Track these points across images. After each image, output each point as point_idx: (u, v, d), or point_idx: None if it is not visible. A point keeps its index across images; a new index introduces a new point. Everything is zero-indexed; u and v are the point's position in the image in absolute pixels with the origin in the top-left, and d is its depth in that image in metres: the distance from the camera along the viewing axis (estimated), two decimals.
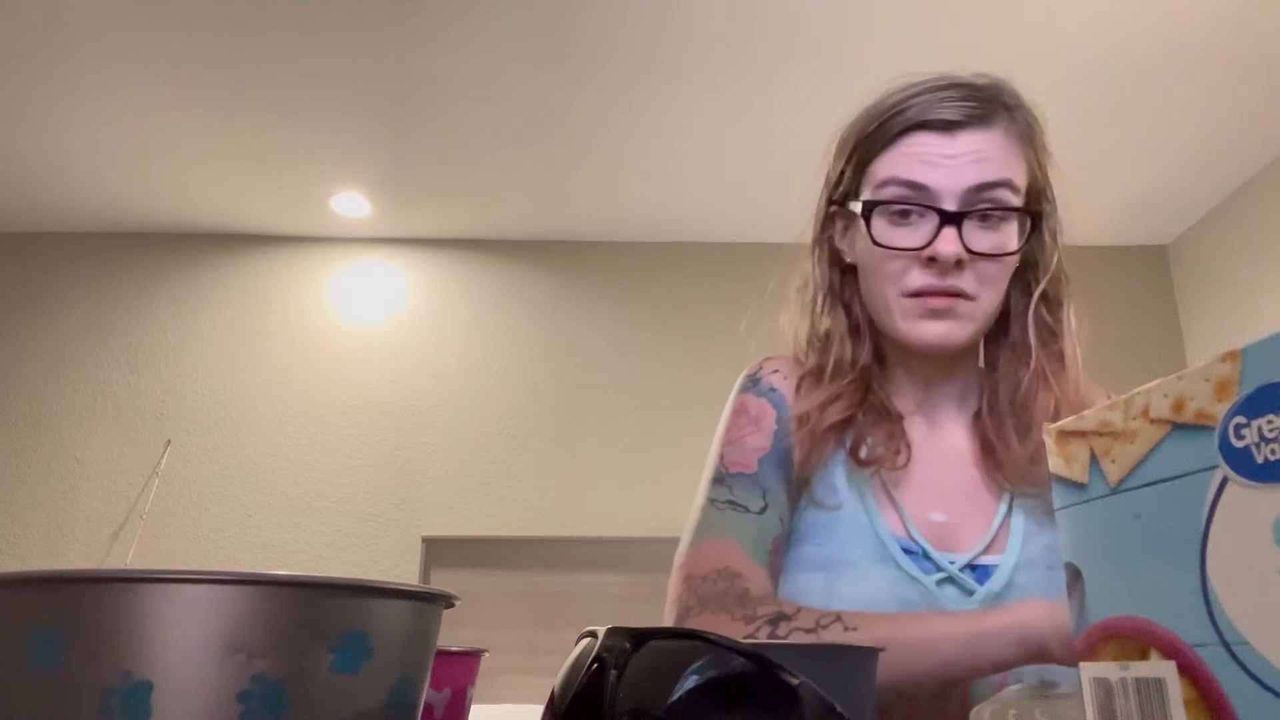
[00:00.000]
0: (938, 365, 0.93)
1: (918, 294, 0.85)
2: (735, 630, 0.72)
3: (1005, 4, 2.65)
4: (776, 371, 0.96)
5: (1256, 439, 0.26)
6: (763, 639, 0.70)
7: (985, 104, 0.85)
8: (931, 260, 0.83)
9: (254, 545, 3.53)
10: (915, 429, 0.93)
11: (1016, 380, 0.91)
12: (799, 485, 0.90)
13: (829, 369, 0.91)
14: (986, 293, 0.86)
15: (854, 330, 0.93)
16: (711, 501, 0.87)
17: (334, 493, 3.62)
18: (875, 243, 0.85)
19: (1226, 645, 0.27)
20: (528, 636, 3.39)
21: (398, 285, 3.89)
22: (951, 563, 0.84)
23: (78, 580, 0.32)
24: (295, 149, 3.34)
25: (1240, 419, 0.27)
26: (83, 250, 3.86)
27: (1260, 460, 0.26)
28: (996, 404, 0.92)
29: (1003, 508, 0.89)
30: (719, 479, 0.88)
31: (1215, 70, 2.91)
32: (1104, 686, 0.31)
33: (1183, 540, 0.29)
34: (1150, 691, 0.29)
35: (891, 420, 0.90)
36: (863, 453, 0.88)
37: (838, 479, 0.89)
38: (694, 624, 0.75)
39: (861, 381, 0.91)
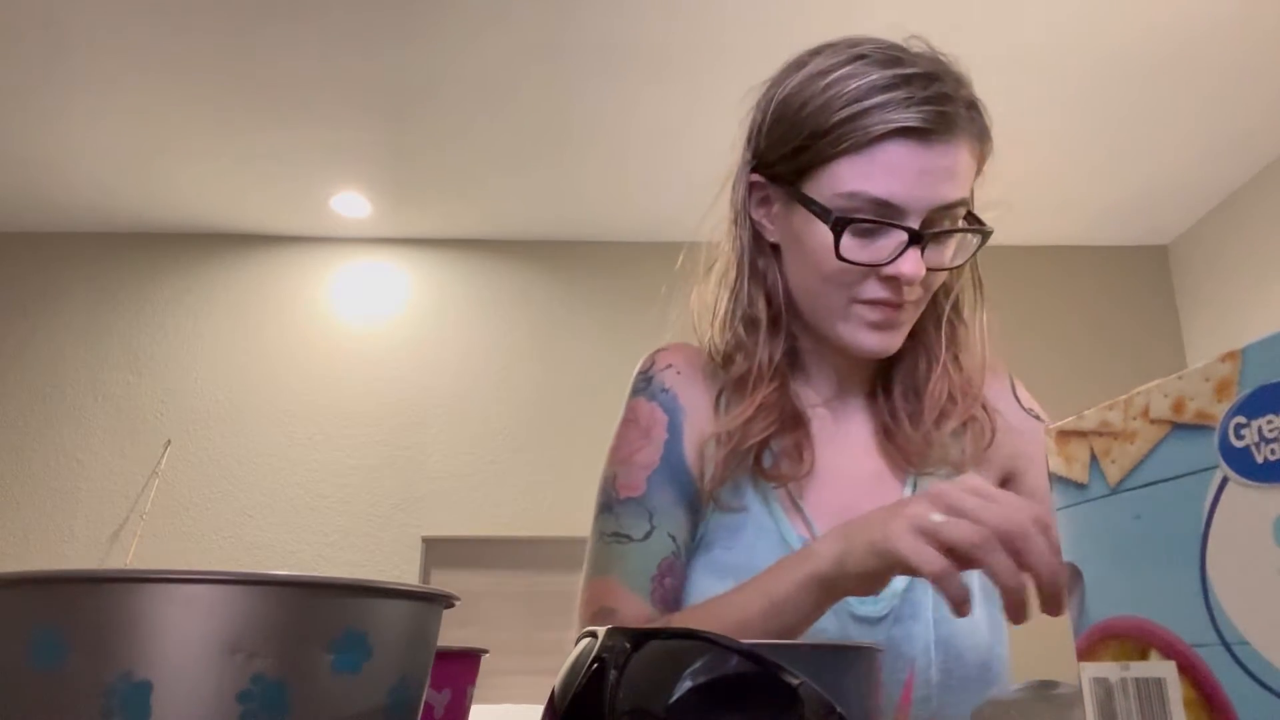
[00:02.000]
0: (856, 360, 0.91)
1: (869, 302, 0.83)
2: None
3: (1005, 4, 2.65)
4: (669, 367, 0.92)
5: (1256, 439, 0.26)
6: None
7: (953, 105, 0.80)
8: (890, 276, 0.81)
9: (254, 545, 3.53)
10: (820, 422, 0.91)
11: (913, 365, 0.91)
12: (707, 493, 0.88)
13: (753, 376, 0.87)
14: (924, 300, 0.86)
15: (774, 321, 0.89)
16: (600, 535, 0.87)
17: (334, 493, 3.62)
18: (840, 257, 0.80)
19: (1226, 645, 0.27)
20: (528, 636, 3.39)
21: (397, 285, 3.89)
22: None
23: (78, 580, 0.32)
24: (295, 149, 3.34)
25: (1240, 419, 0.27)
26: (83, 250, 3.86)
27: (1260, 460, 0.26)
28: (891, 388, 0.92)
29: (907, 493, 0.89)
30: (608, 505, 0.87)
31: (1215, 71, 2.91)
32: (1104, 686, 0.31)
33: (1183, 540, 0.29)
34: (1150, 691, 0.29)
35: (798, 427, 0.87)
36: (766, 462, 0.86)
37: (742, 482, 0.88)
38: None
39: (782, 388, 0.88)
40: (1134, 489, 0.31)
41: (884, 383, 0.93)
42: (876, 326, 0.83)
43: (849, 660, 0.52)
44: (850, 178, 0.79)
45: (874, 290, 0.82)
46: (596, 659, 0.37)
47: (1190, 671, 0.28)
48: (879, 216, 0.79)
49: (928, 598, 0.84)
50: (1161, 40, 2.79)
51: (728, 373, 0.89)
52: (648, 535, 0.84)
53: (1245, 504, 0.27)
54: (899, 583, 0.83)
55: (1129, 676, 0.30)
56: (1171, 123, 3.17)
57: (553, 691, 0.41)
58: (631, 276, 3.87)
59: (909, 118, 0.78)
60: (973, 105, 0.83)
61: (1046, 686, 0.54)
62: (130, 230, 3.87)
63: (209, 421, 3.68)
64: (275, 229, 3.86)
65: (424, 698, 0.39)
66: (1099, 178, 3.49)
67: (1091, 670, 0.32)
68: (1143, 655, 0.30)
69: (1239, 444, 0.27)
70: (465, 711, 0.54)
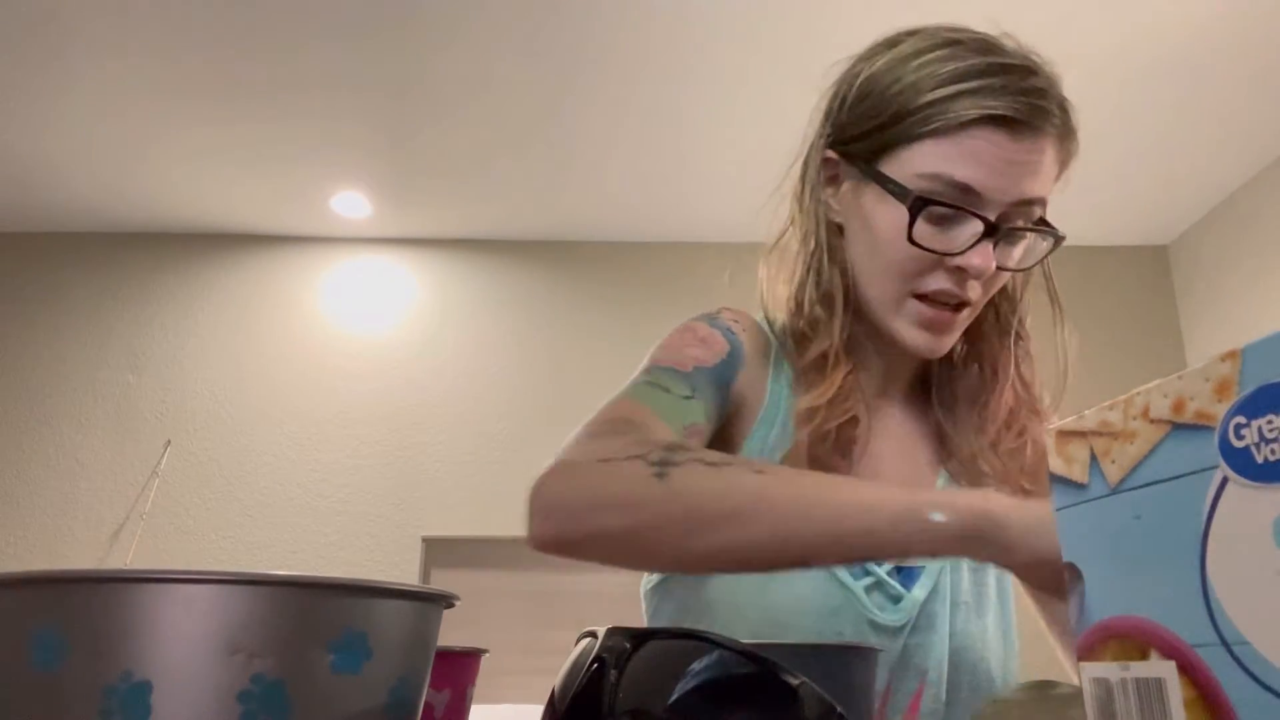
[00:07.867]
0: (905, 355, 0.88)
1: (929, 296, 0.79)
2: (627, 460, 0.66)
3: (1006, 3, 2.65)
4: (736, 321, 0.88)
5: (1256, 439, 0.26)
6: (654, 462, 0.65)
7: (1047, 101, 0.77)
8: (958, 268, 0.77)
9: (254, 545, 3.53)
10: (871, 413, 0.87)
11: (978, 378, 0.88)
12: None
13: (830, 357, 0.82)
14: (983, 301, 0.82)
15: (846, 301, 0.84)
16: (632, 383, 0.79)
17: (334, 493, 3.62)
18: (912, 240, 0.77)
19: (1226, 645, 0.27)
20: (528, 636, 3.39)
21: (398, 285, 3.89)
22: (879, 564, 0.81)
23: (78, 580, 0.32)
24: (295, 149, 3.34)
25: (1240, 419, 0.27)
26: (83, 250, 3.86)
27: (1260, 460, 0.26)
28: (952, 396, 0.89)
29: (939, 485, 0.88)
30: (644, 371, 0.80)
31: (1215, 71, 2.91)
32: (1104, 686, 0.31)
33: (1183, 540, 0.29)
34: (1150, 691, 0.29)
35: (860, 417, 0.84)
36: (821, 449, 0.81)
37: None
38: (579, 450, 0.70)
39: (854, 371, 0.84)
40: (1134, 489, 0.31)
41: (940, 389, 0.91)
42: (930, 326, 0.80)
43: (849, 660, 0.52)
44: (933, 159, 0.76)
45: (937, 282, 0.78)
46: (596, 659, 0.37)
47: (1190, 671, 0.28)
48: (958, 202, 0.76)
49: (945, 610, 0.82)
50: (1161, 40, 2.79)
51: (802, 354, 0.84)
52: (687, 398, 0.77)
53: (1245, 504, 0.27)
54: (919, 593, 0.81)
55: (1129, 676, 0.30)
56: (1172, 123, 3.17)
57: (553, 691, 0.41)
58: (632, 276, 3.87)
59: (1002, 106, 0.75)
60: (1064, 105, 0.79)
61: (1046, 686, 0.54)
62: (130, 230, 3.87)
63: (209, 421, 3.68)
64: (275, 229, 3.86)
65: (424, 698, 0.39)
66: (1099, 178, 3.48)
67: (1091, 670, 0.32)
68: (1143, 655, 0.30)
69: (1239, 444, 0.27)
70: (465, 711, 0.54)
